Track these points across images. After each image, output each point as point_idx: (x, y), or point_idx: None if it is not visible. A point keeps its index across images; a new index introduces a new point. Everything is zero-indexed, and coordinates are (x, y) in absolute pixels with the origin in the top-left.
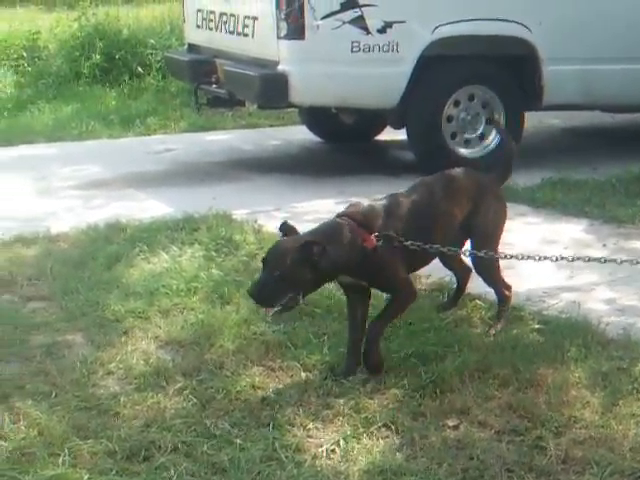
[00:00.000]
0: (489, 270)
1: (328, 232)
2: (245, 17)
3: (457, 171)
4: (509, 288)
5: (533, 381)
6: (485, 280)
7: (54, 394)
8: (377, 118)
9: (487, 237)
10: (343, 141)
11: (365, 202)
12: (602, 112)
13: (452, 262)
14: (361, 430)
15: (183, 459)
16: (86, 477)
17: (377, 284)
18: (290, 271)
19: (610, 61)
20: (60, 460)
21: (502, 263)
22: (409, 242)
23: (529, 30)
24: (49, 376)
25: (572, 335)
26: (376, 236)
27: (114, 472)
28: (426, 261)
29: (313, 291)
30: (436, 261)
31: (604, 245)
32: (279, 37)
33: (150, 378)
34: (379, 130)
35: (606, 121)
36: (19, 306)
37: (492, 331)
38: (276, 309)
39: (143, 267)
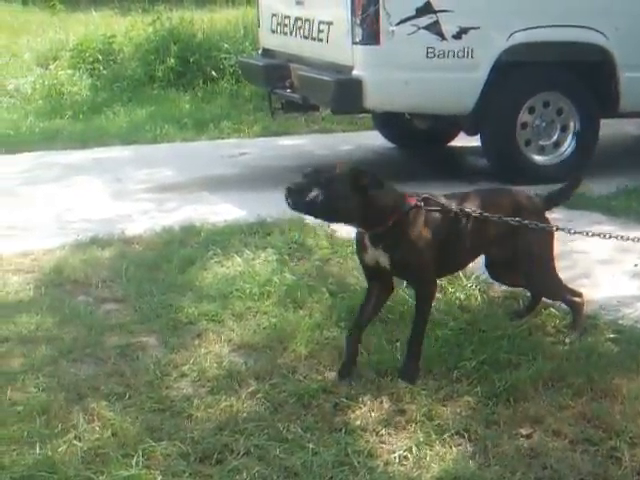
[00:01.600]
0: (546, 288)
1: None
2: (320, 22)
3: (503, 189)
4: (579, 295)
5: (608, 391)
6: (548, 298)
7: (128, 395)
8: (451, 124)
9: (532, 256)
10: (416, 147)
11: None
12: None
13: (501, 277)
14: (434, 437)
15: (256, 462)
16: (159, 478)
17: (401, 260)
18: (338, 179)
19: None
20: (134, 461)
21: (577, 272)
22: (449, 206)
23: (605, 36)
24: (123, 377)
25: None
26: (417, 198)
27: (187, 474)
28: (457, 265)
29: (336, 219)
30: None
31: None
32: (354, 42)
33: (223, 381)
34: (453, 136)
35: None
36: (94, 307)
37: (567, 339)
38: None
39: (217, 270)
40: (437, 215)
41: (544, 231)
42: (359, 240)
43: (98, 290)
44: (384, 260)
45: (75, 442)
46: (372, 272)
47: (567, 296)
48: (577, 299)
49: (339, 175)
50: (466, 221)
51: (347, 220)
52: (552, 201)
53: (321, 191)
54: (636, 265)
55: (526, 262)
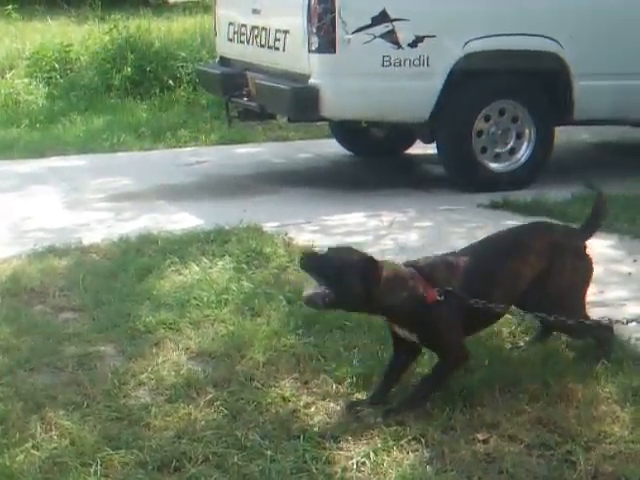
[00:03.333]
0: (569, 330)
1: (392, 270)
2: (277, 31)
3: (533, 226)
4: (610, 328)
5: (563, 396)
6: (576, 338)
7: (86, 404)
8: (408, 132)
9: (560, 299)
10: (373, 155)
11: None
12: (633, 127)
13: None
14: (391, 443)
15: (214, 470)
16: None
17: (427, 341)
18: (344, 272)
19: None
20: (92, 470)
21: None
22: (473, 300)
23: (560, 45)
24: (81, 387)
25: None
26: (438, 291)
27: None
28: (489, 322)
29: (351, 309)
30: None
31: (635, 260)
32: (310, 51)
33: (181, 389)
34: (409, 144)
35: (636, 136)
36: (51, 317)
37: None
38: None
39: (174, 279)
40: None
41: (582, 269)
42: None
43: (55, 299)
44: (411, 336)
45: (33, 451)
46: (400, 340)
47: (592, 332)
48: (603, 332)
49: (350, 263)
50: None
51: (366, 307)
52: (590, 228)
53: (329, 276)
54: None
55: (551, 302)
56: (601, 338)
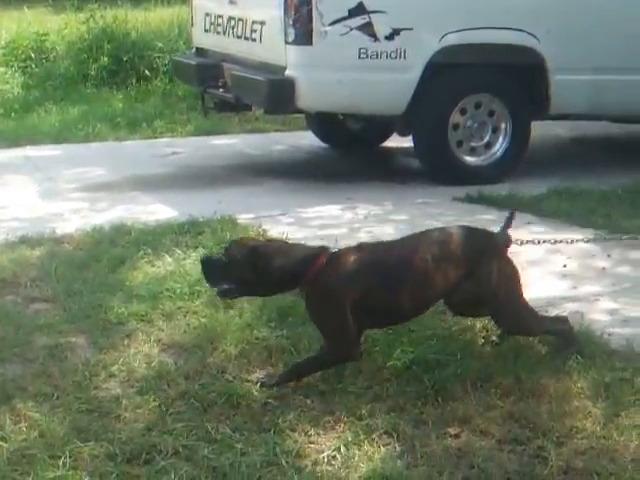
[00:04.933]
0: (520, 326)
1: (292, 249)
2: (253, 22)
3: (456, 229)
4: (564, 320)
5: (535, 391)
6: (526, 335)
7: (56, 396)
8: (384, 125)
9: (500, 304)
10: (349, 147)
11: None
12: (609, 122)
13: (466, 313)
14: (362, 437)
15: (184, 463)
16: (86, 479)
17: (314, 324)
18: (234, 266)
19: (618, 71)
20: (60, 462)
21: None
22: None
23: (537, 39)
24: (51, 378)
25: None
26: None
27: (114, 475)
28: (391, 318)
29: (261, 294)
30: None
31: (609, 255)
32: (287, 42)
33: (152, 381)
34: (386, 136)
35: (613, 131)
36: (22, 307)
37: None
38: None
39: (147, 270)
40: (353, 270)
41: (506, 266)
42: None
43: (27, 289)
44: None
45: (1, 443)
46: None
47: (545, 328)
48: (562, 327)
49: (239, 256)
50: (398, 272)
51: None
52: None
53: (223, 271)
54: (565, 266)
55: (492, 303)
56: (557, 332)
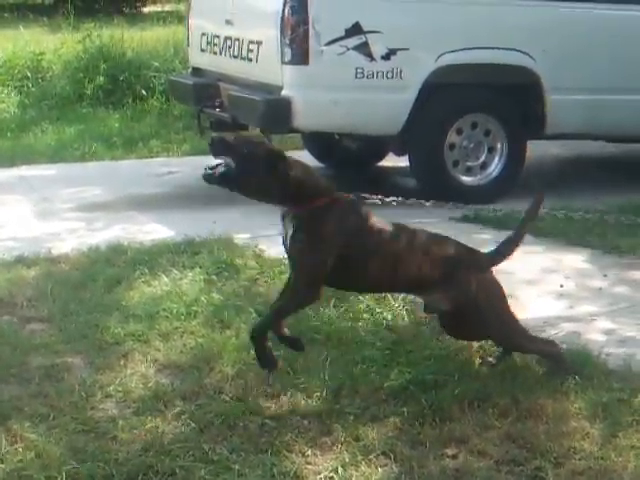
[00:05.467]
0: (510, 341)
1: (314, 171)
2: (249, 42)
3: (446, 237)
4: (551, 343)
5: (533, 411)
6: (514, 351)
7: (52, 416)
8: (380, 144)
9: (488, 321)
10: (345, 167)
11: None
12: (606, 142)
13: (457, 332)
14: (359, 458)
15: None
16: None
17: (293, 252)
18: (249, 155)
19: (614, 91)
20: None
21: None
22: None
23: (533, 59)
24: (47, 398)
25: (572, 365)
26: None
27: None
28: (358, 282)
29: (250, 192)
30: None
31: (605, 275)
32: (283, 62)
33: (149, 402)
34: (382, 156)
35: (609, 151)
36: (18, 327)
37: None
38: (210, 171)
39: (143, 290)
40: (349, 220)
41: (486, 281)
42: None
43: (23, 309)
44: (286, 242)
45: None
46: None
47: (536, 347)
48: (549, 348)
49: (257, 149)
50: (382, 239)
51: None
52: (500, 255)
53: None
54: (562, 286)
55: (474, 314)
56: (548, 354)
